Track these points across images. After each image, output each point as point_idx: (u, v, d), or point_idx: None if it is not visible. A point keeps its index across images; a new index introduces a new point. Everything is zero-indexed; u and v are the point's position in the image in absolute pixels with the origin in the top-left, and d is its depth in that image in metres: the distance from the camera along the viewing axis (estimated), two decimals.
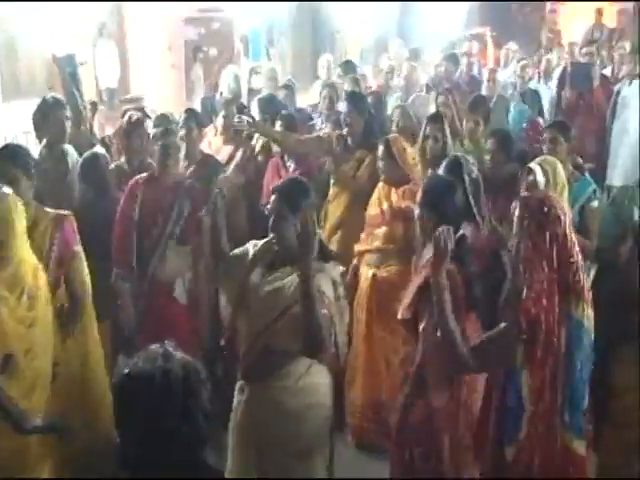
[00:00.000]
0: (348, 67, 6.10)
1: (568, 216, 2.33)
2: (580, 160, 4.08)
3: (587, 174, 3.86)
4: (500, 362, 2.27)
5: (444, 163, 3.28)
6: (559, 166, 3.30)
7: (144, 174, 3.64)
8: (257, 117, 4.74)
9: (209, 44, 9.42)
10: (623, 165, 5.94)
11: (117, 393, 1.40)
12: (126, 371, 1.37)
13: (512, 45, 8.05)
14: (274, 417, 2.51)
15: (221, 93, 5.78)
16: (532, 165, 3.28)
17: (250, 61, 9.13)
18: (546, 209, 2.21)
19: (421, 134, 4.01)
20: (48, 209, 2.95)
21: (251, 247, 2.65)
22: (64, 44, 4.84)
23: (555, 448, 2.21)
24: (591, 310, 2.26)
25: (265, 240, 2.63)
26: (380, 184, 3.76)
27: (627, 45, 6.91)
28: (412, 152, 3.80)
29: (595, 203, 3.66)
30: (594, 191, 3.72)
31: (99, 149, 3.92)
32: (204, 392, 1.39)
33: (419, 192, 2.70)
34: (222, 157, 4.50)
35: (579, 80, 6.42)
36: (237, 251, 2.68)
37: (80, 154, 3.86)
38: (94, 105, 4.69)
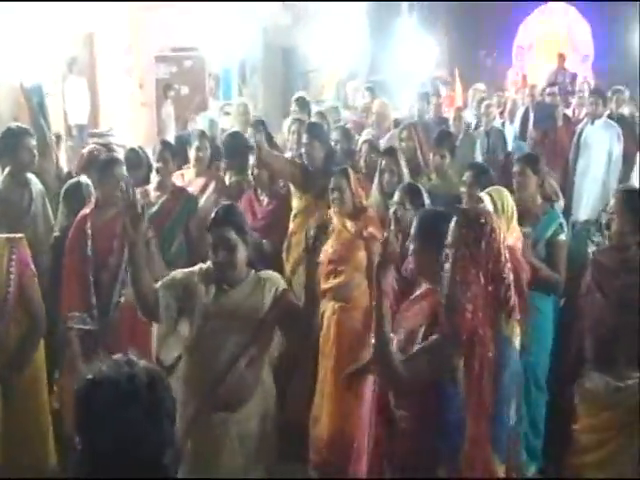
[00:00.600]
0: (303, 103, 6.20)
1: (503, 232, 2.34)
2: (555, 186, 4.14)
3: (556, 206, 3.92)
4: (432, 374, 2.24)
5: (400, 190, 3.30)
6: (507, 195, 3.33)
7: (87, 209, 3.53)
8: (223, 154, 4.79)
9: (181, 82, 9.49)
10: (588, 202, 6.09)
11: (81, 399, 1.37)
12: (90, 377, 1.36)
13: (480, 86, 8.27)
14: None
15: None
16: (481, 194, 3.34)
17: (221, 100, 9.20)
18: (483, 220, 2.22)
19: (378, 168, 4.06)
20: None
21: (181, 274, 2.63)
22: (32, 76, 4.81)
23: (483, 466, 2.18)
24: (519, 330, 2.26)
25: (205, 268, 2.63)
26: (333, 219, 3.72)
27: (586, 88, 7.20)
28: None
29: (562, 236, 3.68)
30: (561, 224, 3.74)
31: (83, 178, 3.87)
32: (169, 398, 1.39)
33: (414, 223, 2.65)
34: (194, 189, 4.48)
35: (543, 119, 6.65)
36: (174, 279, 2.61)
37: (45, 184, 3.82)
38: (58, 137, 4.67)
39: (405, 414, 2.54)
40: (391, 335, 2.27)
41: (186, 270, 2.67)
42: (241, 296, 2.59)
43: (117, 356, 1.39)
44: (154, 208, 3.97)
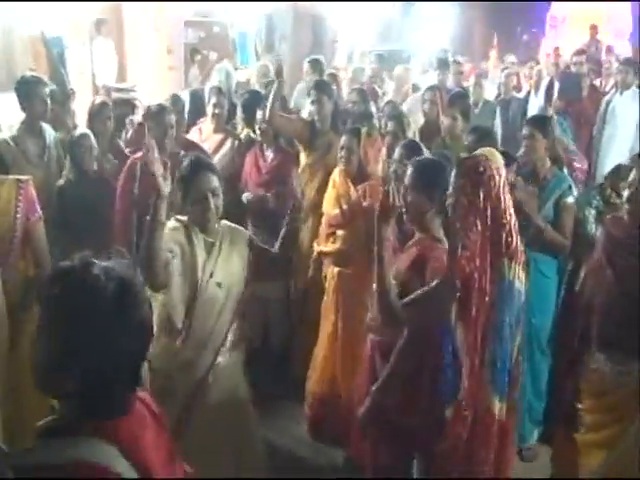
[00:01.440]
0: (316, 65, 6.24)
1: (503, 178, 2.34)
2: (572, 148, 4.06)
3: (565, 169, 3.86)
4: (432, 317, 2.28)
5: (400, 147, 3.30)
6: (499, 156, 3.26)
7: (139, 153, 3.69)
8: (240, 114, 4.85)
9: (209, 48, 9.52)
10: None
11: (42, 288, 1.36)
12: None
13: (511, 58, 8.15)
14: None
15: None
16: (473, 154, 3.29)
17: (238, 64, 9.22)
18: (482, 169, 2.25)
19: (384, 131, 4.07)
20: (3, 176, 2.99)
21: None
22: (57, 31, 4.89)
23: (483, 406, 2.21)
24: (523, 272, 2.29)
25: (185, 222, 2.64)
26: (336, 179, 3.70)
27: (613, 60, 7.01)
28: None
29: (570, 199, 3.61)
30: (570, 187, 3.67)
31: (83, 129, 3.98)
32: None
33: (408, 172, 2.67)
34: (210, 145, 4.54)
35: (568, 89, 6.50)
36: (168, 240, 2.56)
37: (61, 131, 3.93)
38: (72, 91, 4.77)
39: (404, 369, 2.60)
40: (392, 282, 2.31)
41: (172, 229, 2.62)
42: (228, 244, 2.70)
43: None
44: None
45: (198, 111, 4.94)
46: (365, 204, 3.50)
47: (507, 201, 2.28)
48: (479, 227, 2.20)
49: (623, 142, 6.00)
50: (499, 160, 3.27)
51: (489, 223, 2.21)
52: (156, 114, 3.78)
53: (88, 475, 1.29)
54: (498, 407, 2.23)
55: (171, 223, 2.62)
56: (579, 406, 2.94)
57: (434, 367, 2.31)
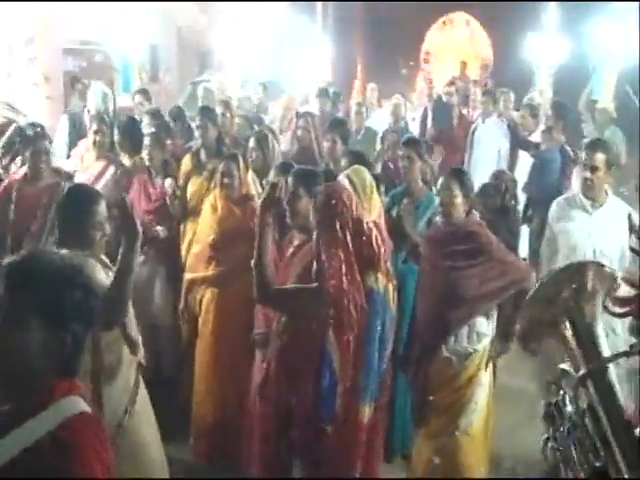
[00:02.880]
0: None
1: (355, 202, 2.53)
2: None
3: (434, 189, 4.16)
4: (297, 309, 2.44)
5: (275, 168, 3.48)
6: (365, 174, 3.34)
7: (17, 176, 3.69)
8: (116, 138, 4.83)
9: (91, 77, 9.30)
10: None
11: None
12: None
13: (372, 85, 8.69)
14: None
15: (88, 110, 5.80)
16: (340, 176, 3.49)
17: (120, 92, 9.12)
18: (334, 201, 2.42)
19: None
20: None
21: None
22: None
23: (352, 412, 2.32)
24: (390, 284, 2.45)
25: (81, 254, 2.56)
26: (217, 203, 3.75)
27: (478, 91, 7.67)
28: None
29: (439, 217, 3.93)
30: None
31: None
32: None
33: (290, 183, 2.82)
34: (93, 172, 4.47)
35: (440, 118, 7.02)
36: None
37: None
38: None
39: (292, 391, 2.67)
40: (270, 261, 2.48)
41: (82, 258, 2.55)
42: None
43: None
44: None
45: (77, 134, 4.87)
46: (251, 226, 3.45)
47: (365, 220, 2.45)
48: (340, 253, 2.35)
49: (487, 165, 6.53)
50: (364, 177, 3.49)
51: (350, 245, 2.37)
52: (31, 142, 3.76)
53: (91, 423, 1.42)
54: (366, 412, 2.32)
55: (82, 258, 2.54)
56: (430, 398, 3.14)
57: (307, 392, 2.40)
